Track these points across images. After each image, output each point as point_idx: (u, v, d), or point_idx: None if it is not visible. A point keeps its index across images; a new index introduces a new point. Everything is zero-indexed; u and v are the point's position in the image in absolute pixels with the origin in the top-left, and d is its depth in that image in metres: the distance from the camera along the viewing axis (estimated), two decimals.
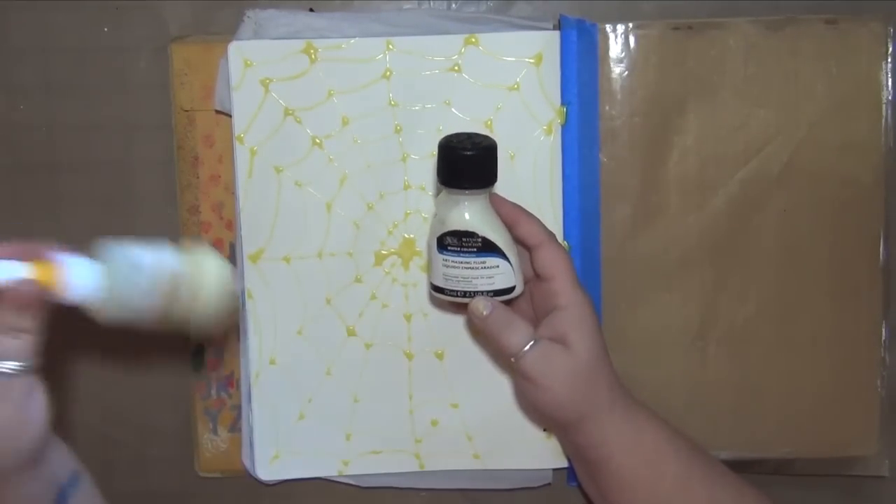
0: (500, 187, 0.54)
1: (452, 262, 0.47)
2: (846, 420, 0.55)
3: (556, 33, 0.52)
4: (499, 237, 0.46)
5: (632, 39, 0.53)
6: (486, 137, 0.46)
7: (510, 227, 0.47)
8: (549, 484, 0.56)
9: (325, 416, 0.55)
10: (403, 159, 0.54)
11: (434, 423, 0.55)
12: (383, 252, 0.54)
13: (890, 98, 0.54)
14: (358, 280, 0.54)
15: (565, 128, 0.53)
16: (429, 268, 0.49)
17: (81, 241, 0.56)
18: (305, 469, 0.56)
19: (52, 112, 0.55)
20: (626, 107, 0.54)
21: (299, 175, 0.54)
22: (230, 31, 0.53)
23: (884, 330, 0.55)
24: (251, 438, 0.55)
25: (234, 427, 0.56)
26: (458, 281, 0.47)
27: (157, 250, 0.41)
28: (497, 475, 0.56)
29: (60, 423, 0.56)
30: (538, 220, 0.48)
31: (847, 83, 0.54)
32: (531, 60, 0.52)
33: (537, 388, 0.46)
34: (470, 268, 0.47)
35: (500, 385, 0.55)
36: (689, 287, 0.55)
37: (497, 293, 0.47)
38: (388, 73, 0.53)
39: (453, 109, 0.53)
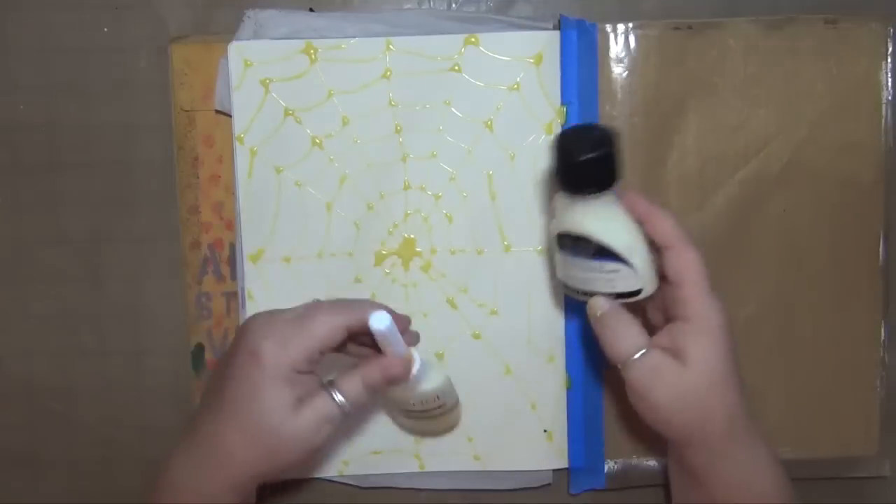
0: (501, 188, 0.54)
1: (570, 261, 0.44)
2: (846, 420, 0.55)
3: (556, 33, 0.52)
4: (620, 241, 0.42)
5: (632, 39, 0.53)
6: (605, 132, 0.41)
7: (642, 225, 0.43)
8: (549, 484, 0.56)
9: None
10: (403, 159, 0.54)
11: None
12: (383, 252, 0.54)
13: (890, 98, 0.54)
14: (358, 280, 0.54)
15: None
16: (550, 257, 0.47)
17: (81, 241, 0.56)
18: (305, 469, 0.56)
19: (52, 112, 0.55)
20: (626, 107, 0.54)
21: (299, 175, 0.54)
22: (230, 31, 0.53)
23: (883, 330, 0.55)
24: None
25: None
26: (577, 280, 0.45)
27: (450, 382, 0.49)
28: (497, 476, 0.56)
29: (61, 423, 0.57)
30: (672, 220, 0.43)
31: (847, 83, 0.54)
32: (531, 60, 0.52)
33: (641, 401, 0.43)
34: (587, 269, 0.44)
35: (501, 385, 0.55)
36: None
37: (619, 295, 0.44)
38: (388, 73, 0.53)
39: (453, 109, 0.53)
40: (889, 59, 0.54)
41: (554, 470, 0.56)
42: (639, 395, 0.43)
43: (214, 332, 0.55)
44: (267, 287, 0.54)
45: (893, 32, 0.53)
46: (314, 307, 0.43)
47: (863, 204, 0.54)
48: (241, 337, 0.43)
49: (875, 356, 0.55)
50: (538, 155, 0.53)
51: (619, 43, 0.53)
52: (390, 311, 0.43)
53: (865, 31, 0.53)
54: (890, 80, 0.54)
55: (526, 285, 0.54)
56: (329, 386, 0.43)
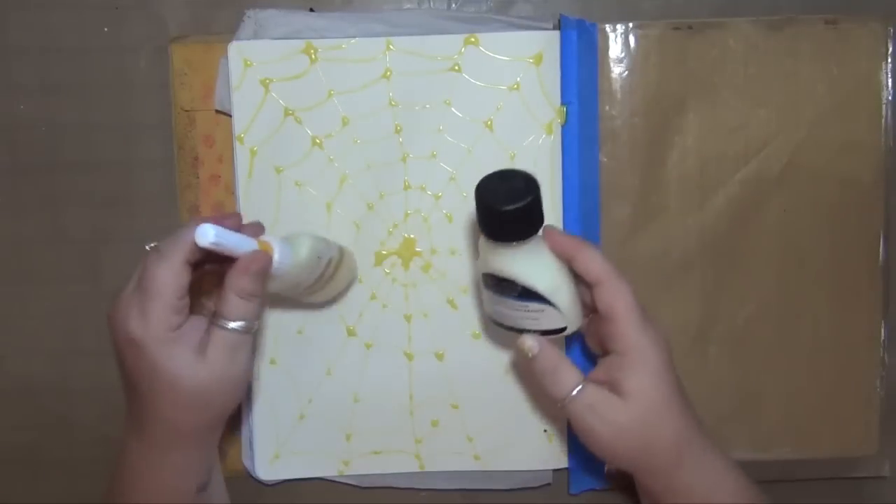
0: None
1: (495, 299, 0.44)
2: (846, 420, 0.55)
3: (556, 33, 0.52)
4: (544, 284, 0.42)
5: (632, 39, 0.53)
6: (526, 180, 0.40)
7: (567, 262, 0.43)
8: (549, 484, 0.56)
9: (326, 416, 0.55)
10: (403, 159, 0.54)
11: (434, 423, 0.55)
12: (383, 252, 0.54)
13: (890, 98, 0.54)
14: (358, 280, 0.54)
15: (565, 128, 0.53)
16: (478, 293, 0.47)
17: (81, 241, 0.56)
18: (305, 469, 0.56)
19: (52, 112, 0.55)
20: (626, 107, 0.54)
21: (299, 175, 0.54)
22: (230, 31, 0.53)
23: (883, 330, 0.55)
24: (251, 438, 0.55)
25: (235, 427, 0.56)
26: (504, 316, 0.45)
27: (320, 239, 0.48)
28: (497, 475, 0.56)
29: (61, 423, 0.57)
30: (598, 256, 0.43)
31: (847, 83, 0.54)
32: (531, 60, 0.52)
33: (584, 436, 0.43)
34: (513, 309, 0.44)
35: (500, 386, 0.55)
36: (690, 287, 0.55)
37: (545, 332, 0.44)
38: (388, 73, 0.53)
39: (453, 109, 0.53)
40: (889, 60, 0.54)
41: (554, 470, 0.56)
42: (581, 431, 0.43)
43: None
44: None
45: (893, 32, 0.53)
46: (144, 264, 0.42)
47: (863, 204, 0.54)
48: (111, 333, 0.43)
49: (875, 356, 0.55)
50: (538, 155, 0.53)
51: (619, 43, 0.53)
52: (217, 220, 0.42)
53: (865, 32, 0.53)
54: (890, 80, 0.54)
55: None
56: (214, 319, 0.42)
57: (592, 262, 0.42)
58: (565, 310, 0.43)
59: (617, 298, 0.42)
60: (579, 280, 0.44)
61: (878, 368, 0.55)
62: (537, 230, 0.42)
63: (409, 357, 0.55)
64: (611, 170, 0.54)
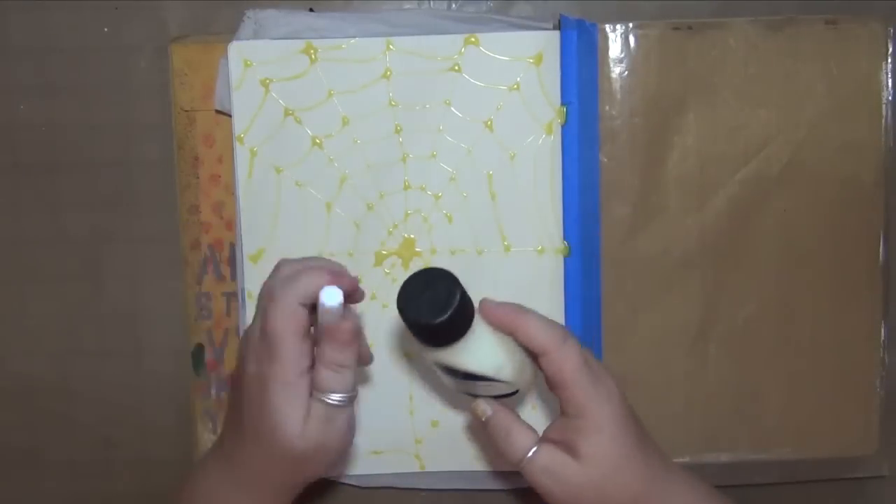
0: (501, 188, 0.54)
1: (443, 377, 0.44)
2: (846, 420, 0.55)
3: (556, 33, 0.52)
4: (487, 367, 0.41)
5: (632, 39, 0.53)
6: (447, 284, 0.39)
7: (508, 335, 0.42)
8: None
9: None
10: (403, 159, 0.54)
11: (434, 423, 0.55)
12: (383, 252, 0.54)
13: (890, 98, 0.54)
14: (358, 280, 0.54)
15: (565, 128, 0.53)
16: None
17: (81, 241, 0.56)
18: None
19: (52, 112, 0.55)
20: (626, 107, 0.54)
21: (299, 175, 0.54)
22: (230, 31, 0.53)
23: (883, 330, 0.55)
24: None
25: None
26: (454, 387, 0.44)
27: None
28: (497, 476, 0.56)
29: (61, 423, 0.57)
30: (537, 326, 0.41)
31: (847, 83, 0.54)
32: (531, 60, 0.52)
33: (543, 496, 0.42)
34: (461, 386, 0.44)
35: None
36: (690, 287, 0.55)
37: (497, 397, 0.44)
38: (388, 73, 0.53)
39: (453, 109, 0.53)
40: (889, 60, 0.54)
41: None
42: (539, 491, 0.42)
43: (214, 332, 0.55)
44: None
45: (893, 32, 0.53)
46: (264, 310, 0.41)
47: (863, 204, 0.54)
48: (237, 367, 0.43)
49: (875, 356, 0.55)
50: (538, 155, 0.53)
51: (619, 43, 0.53)
52: (335, 276, 0.41)
53: (865, 32, 0.53)
54: (890, 80, 0.54)
55: (526, 285, 0.54)
56: (312, 390, 0.42)
57: (534, 333, 0.41)
58: (513, 380, 0.42)
59: (563, 366, 0.41)
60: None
61: (878, 368, 0.55)
62: (469, 324, 0.40)
63: (410, 357, 0.55)
64: (611, 170, 0.54)
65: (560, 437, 0.42)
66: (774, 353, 0.55)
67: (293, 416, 0.40)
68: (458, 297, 0.39)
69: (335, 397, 0.41)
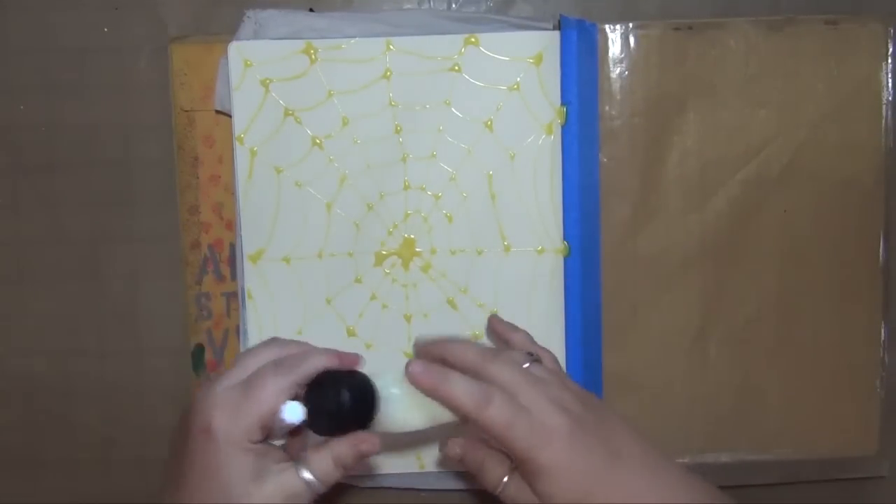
0: (501, 188, 0.54)
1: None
2: (846, 420, 0.55)
3: (556, 33, 0.52)
4: (417, 426, 0.43)
5: (632, 39, 0.53)
6: (338, 391, 0.41)
7: (434, 399, 0.42)
8: None
9: None
10: (403, 159, 0.54)
11: None
12: (383, 252, 0.54)
13: (890, 98, 0.54)
14: (358, 280, 0.54)
15: (565, 128, 0.53)
16: None
17: (81, 241, 0.56)
18: None
19: (52, 112, 0.55)
20: (626, 107, 0.54)
21: (299, 175, 0.54)
22: (230, 31, 0.53)
23: (883, 330, 0.55)
24: None
25: None
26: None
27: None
28: None
29: (61, 423, 0.57)
30: (461, 390, 0.41)
31: (847, 83, 0.54)
32: (531, 60, 0.52)
33: None
34: (412, 435, 0.45)
35: None
36: (690, 287, 0.55)
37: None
38: (388, 73, 0.53)
39: (453, 109, 0.53)
40: (889, 60, 0.54)
41: None
42: None
43: (214, 332, 0.55)
44: (267, 287, 0.54)
45: (893, 33, 0.53)
46: (259, 372, 0.42)
47: (863, 204, 0.54)
48: (192, 411, 0.42)
49: (875, 356, 0.55)
50: (538, 155, 0.53)
51: (619, 43, 0.53)
52: (334, 356, 0.43)
53: (865, 32, 0.53)
54: (890, 80, 0.54)
55: (526, 285, 0.54)
56: (299, 461, 0.42)
57: (453, 398, 0.41)
58: (452, 418, 0.43)
59: (488, 427, 0.41)
60: None
61: (878, 368, 0.55)
62: (374, 407, 0.42)
63: (410, 357, 0.55)
64: (611, 170, 0.54)
65: (524, 471, 0.42)
66: (774, 353, 0.55)
67: (241, 474, 0.41)
68: (347, 399, 0.41)
69: (313, 480, 0.42)
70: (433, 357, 0.45)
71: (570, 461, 0.41)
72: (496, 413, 0.41)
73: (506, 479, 0.43)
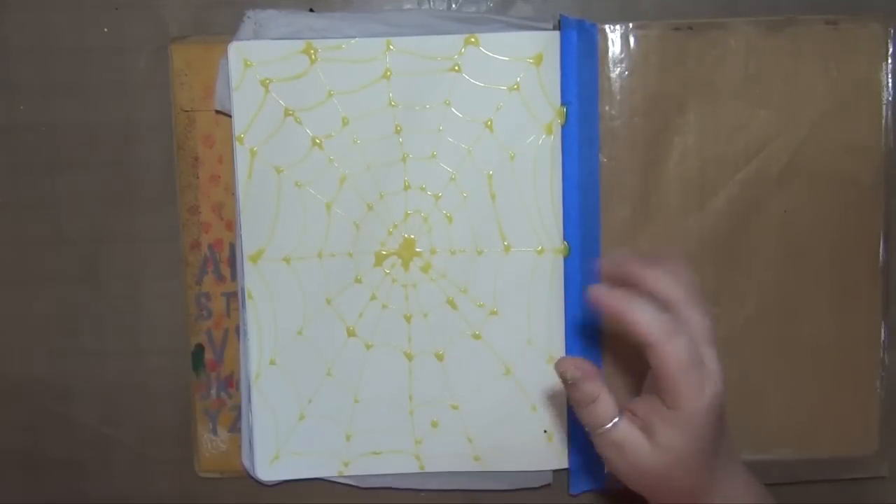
0: (501, 188, 0.54)
1: None
2: (846, 420, 0.55)
3: (556, 33, 0.52)
4: None
5: (632, 39, 0.53)
6: None
7: (616, 321, 0.41)
8: (549, 484, 0.56)
9: (325, 416, 0.55)
10: (403, 159, 0.54)
11: (434, 424, 0.55)
12: (383, 252, 0.54)
13: (890, 99, 0.54)
14: (358, 280, 0.54)
15: (565, 128, 0.53)
16: None
17: (81, 241, 0.56)
18: (305, 469, 0.56)
19: (52, 112, 0.55)
20: (626, 107, 0.54)
21: (299, 175, 0.54)
22: (230, 31, 0.53)
23: (883, 330, 0.55)
24: (251, 439, 0.55)
25: (234, 427, 0.56)
26: None
27: None
28: (497, 476, 0.56)
29: (61, 423, 0.57)
30: (646, 316, 0.40)
31: (847, 83, 0.54)
32: (531, 60, 0.52)
33: (606, 462, 0.43)
34: None
35: (501, 386, 0.55)
36: None
37: None
38: (388, 73, 0.53)
39: (453, 109, 0.53)
40: (889, 60, 0.54)
41: (554, 470, 0.56)
42: (604, 458, 0.43)
43: (214, 332, 0.55)
44: (267, 287, 0.54)
45: (893, 33, 0.53)
46: None
47: (863, 204, 0.54)
48: None
49: (875, 356, 0.55)
50: (538, 155, 0.53)
51: (619, 43, 0.53)
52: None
53: (866, 32, 0.53)
54: (890, 80, 0.54)
55: (526, 285, 0.54)
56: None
57: (637, 325, 0.40)
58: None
59: (666, 361, 0.40)
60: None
61: (878, 369, 0.55)
62: None
63: (409, 357, 0.55)
64: (611, 170, 0.54)
65: (643, 414, 0.42)
66: (774, 353, 0.55)
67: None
68: None
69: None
70: (618, 277, 0.43)
71: (709, 421, 0.41)
72: (676, 349, 0.40)
73: (613, 422, 0.42)
